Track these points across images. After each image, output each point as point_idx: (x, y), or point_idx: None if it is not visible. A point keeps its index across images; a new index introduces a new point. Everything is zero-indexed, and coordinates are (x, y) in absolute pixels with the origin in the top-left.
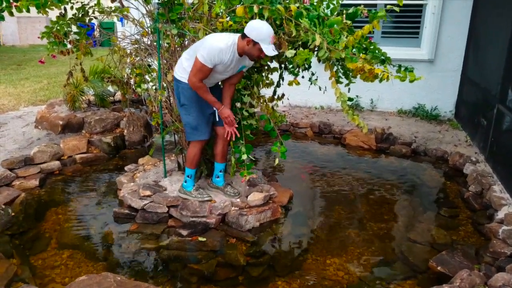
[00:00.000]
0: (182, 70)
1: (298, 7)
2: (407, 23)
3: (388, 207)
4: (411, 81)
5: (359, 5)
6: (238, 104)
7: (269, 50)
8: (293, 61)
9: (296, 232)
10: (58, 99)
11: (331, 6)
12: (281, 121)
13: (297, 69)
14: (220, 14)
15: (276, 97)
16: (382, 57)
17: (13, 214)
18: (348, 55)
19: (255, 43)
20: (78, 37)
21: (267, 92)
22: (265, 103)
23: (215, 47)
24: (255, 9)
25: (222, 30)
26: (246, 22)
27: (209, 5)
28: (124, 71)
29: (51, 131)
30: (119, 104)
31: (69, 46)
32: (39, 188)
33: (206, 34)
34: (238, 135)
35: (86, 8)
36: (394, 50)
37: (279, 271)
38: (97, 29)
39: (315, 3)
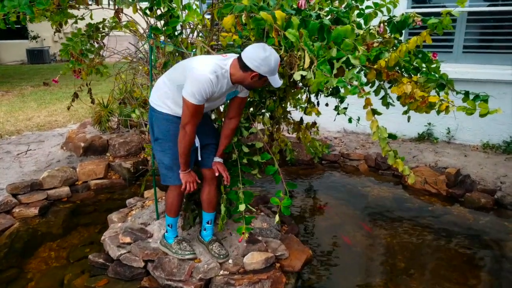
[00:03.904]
0: (159, 96)
1: (295, 14)
2: (497, 35)
3: None
4: (481, 115)
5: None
6: (235, 139)
7: (277, 81)
8: (309, 85)
9: None
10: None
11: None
12: (322, 151)
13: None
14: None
15: (304, 125)
16: (442, 81)
17: None
18: (345, 84)
19: (262, 77)
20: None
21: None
22: (299, 132)
23: (204, 80)
24: (243, 19)
25: (226, 46)
26: (254, 37)
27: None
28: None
29: (73, 153)
30: None
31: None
32: (39, 218)
33: (204, 53)
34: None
35: (96, 24)
36: (479, 69)
37: None
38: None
39: (342, 11)
